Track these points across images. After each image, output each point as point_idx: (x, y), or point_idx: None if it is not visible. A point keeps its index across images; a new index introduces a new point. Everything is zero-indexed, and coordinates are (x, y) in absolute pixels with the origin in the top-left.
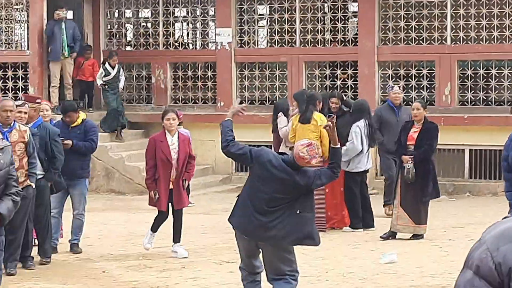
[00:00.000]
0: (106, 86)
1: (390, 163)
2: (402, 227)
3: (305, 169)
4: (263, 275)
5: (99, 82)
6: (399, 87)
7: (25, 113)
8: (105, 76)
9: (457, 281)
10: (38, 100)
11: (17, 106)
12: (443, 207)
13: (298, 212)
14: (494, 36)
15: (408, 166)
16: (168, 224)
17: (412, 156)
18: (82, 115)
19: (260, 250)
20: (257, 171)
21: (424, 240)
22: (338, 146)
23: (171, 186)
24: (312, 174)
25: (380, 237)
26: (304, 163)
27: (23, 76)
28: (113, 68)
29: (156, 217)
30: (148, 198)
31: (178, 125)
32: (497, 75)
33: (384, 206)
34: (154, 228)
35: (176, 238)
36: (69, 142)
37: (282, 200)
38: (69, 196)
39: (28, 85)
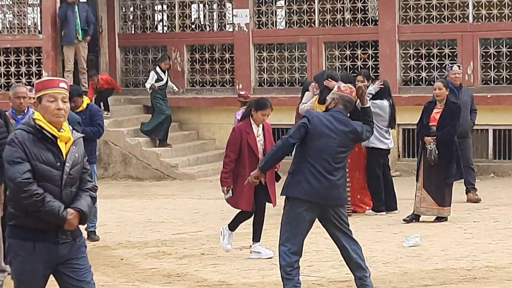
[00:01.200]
0: (157, 93)
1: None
2: (425, 210)
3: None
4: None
5: (148, 86)
6: (459, 66)
7: None
8: (157, 81)
9: None
10: None
11: (31, 92)
12: None
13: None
14: None
15: (431, 147)
16: (186, 209)
17: (435, 137)
18: (86, 100)
19: None
20: (315, 131)
21: (448, 222)
22: (367, 105)
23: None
24: (358, 123)
25: (404, 220)
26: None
27: (36, 61)
28: (164, 72)
29: (238, 215)
30: (226, 197)
31: (244, 105)
32: None
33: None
34: (233, 227)
35: (258, 236)
36: None
37: (342, 154)
38: None
39: (41, 70)
